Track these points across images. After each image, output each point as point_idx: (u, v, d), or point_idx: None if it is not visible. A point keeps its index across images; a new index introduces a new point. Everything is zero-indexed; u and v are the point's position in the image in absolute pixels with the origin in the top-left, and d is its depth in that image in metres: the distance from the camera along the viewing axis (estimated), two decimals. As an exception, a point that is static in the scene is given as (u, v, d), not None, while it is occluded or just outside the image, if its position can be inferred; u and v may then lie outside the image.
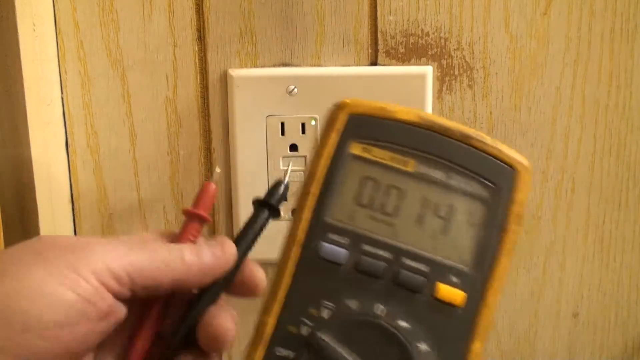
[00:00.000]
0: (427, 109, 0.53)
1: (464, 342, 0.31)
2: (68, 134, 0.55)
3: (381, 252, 0.32)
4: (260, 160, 0.54)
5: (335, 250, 0.32)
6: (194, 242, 0.39)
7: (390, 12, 0.53)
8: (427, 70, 0.53)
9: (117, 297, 0.35)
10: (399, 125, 0.32)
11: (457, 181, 0.32)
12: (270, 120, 0.53)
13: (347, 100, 0.33)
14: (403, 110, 0.33)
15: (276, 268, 0.33)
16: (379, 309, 0.31)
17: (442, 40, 0.53)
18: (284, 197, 0.40)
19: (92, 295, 0.34)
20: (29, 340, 0.33)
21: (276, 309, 0.32)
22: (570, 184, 0.55)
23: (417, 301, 0.31)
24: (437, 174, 0.32)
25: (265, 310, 0.32)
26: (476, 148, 0.32)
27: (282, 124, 0.53)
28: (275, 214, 0.39)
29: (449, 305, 0.31)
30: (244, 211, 0.55)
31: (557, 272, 0.57)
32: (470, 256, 0.31)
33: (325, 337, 0.30)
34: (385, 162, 0.32)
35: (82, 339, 0.34)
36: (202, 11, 0.53)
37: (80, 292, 0.34)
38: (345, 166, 0.33)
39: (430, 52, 0.53)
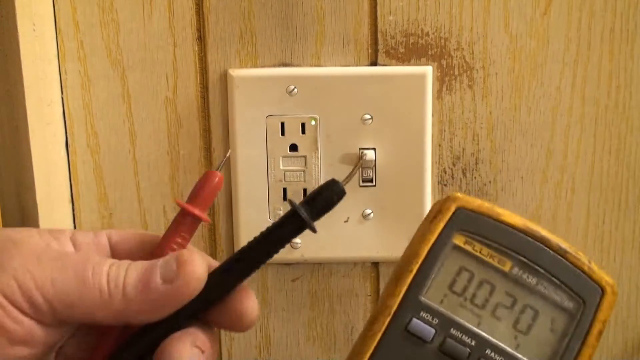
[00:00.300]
0: (427, 109, 0.53)
1: None
2: (68, 134, 0.55)
3: (466, 339, 0.33)
4: (260, 160, 0.54)
5: (424, 327, 0.33)
6: (183, 244, 0.34)
7: (390, 12, 0.53)
8: (427, 70, 0.53)
9: (40, 322, 0.30)
10: (503, 228, 0.35)
11: (547, 289, 0.34)
12: (270, 120, 0.53)
13: (459, 195, 0.36)
14: (510, 215, 0.35)
15: (361, 335, 0.34)
16: None
17: (442, 40, 0.53)
18: (330, 206, 0.36)
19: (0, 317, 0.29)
20: None
21: None
22: (570, 184, 0.55)
23: None
24: (530, 279, 0.34)
25: None
26: (571, 262, 0.34)
27: (282, 124, 0.53)
28: (308, 225, 0.35)
29: None
30: (244, 212, 0.55)
31: (557, 272, 0.57)
32: None
33: None
34: (484, 257, 0.35)
35: None
36: (202, 11, 0.53)
37: None
38: (446, 253, 0.35)
39: (430, 52, 0.53)
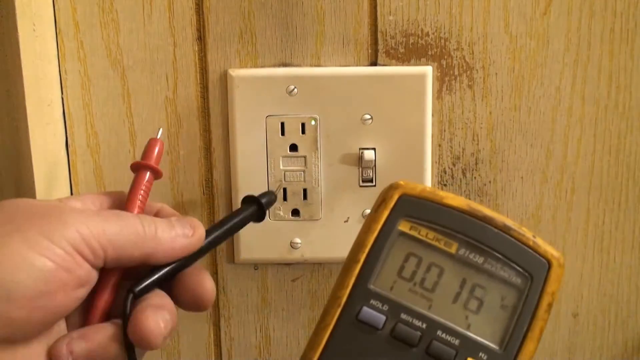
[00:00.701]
0: (427, 109, 0.53)
1: None
2: (68, 134, 0.55)
3: (417, 322, 0.34)
4: (260, 160, 0.54)
5: (374, 315, 0.34)
6: (145, 197, 0.42)
7: (390, 12, 0.53)
8: (427, 70, 0.53)
9: (92, 266, 0.36)
10: (447, 210, 0.35)
11: (494, 267, 0.35)
12: (270, 120, 0.53)
13: (401, 182, 0.36)
14: (453, 197, 0.36)
15: (314, 328, 0.35)
16: None
17: (442, 41, 0.53)
18: (271, 203, 0.46)
19: (69, 264, 0.35)
20: (10, 311, 0.33)
21: None
22: (570, 184, 0.55)
23: None
24: (477, 258, 0.35)
25: None
26: (516, 239, 0.35)
27: (282, 124, 0.53)
28: (260, 215, 0.45)
29: None
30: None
31: (557, 272, 0.57)
32: (500, 337, 0.34)
33: None
34: (430, 241, 0.35)
35: (59, 307, 0.35)
36: (202, 11, 0.53)
37: (58, 261, 0.34)
38: (393, 241, 0.35)
39: (430, 52, 0.53)
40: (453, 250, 0.35)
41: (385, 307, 0.34)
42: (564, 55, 0.53)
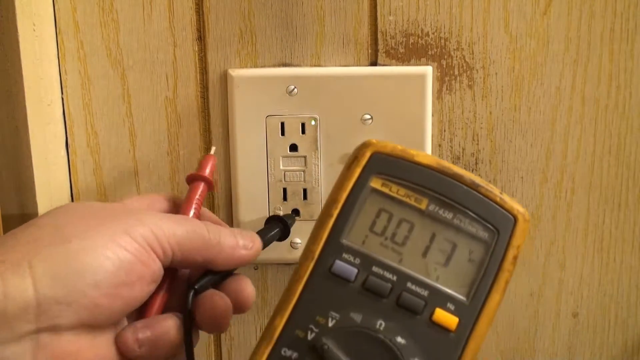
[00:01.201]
0: (427, 109, 0.53)
1: None
2: (68, 134, 0.55)
3: (388, 275, 0.35)
4: (260, 160, 0.54)
5: (346, 267, 0.35)
6: (199, 206, 0.45)
7: (390, 12, 0.53)
8: (427, 70, 0.53)
9: (162, 264, 0.39)
10: (418, 168, 0.36)
11: (463, 222, 0.36)
12: (270, 120, 0.53)
13: (373, 140, 0.37)
14: (422, 155, 0.37)
15: (291, 278, 0.36)
16: (380, 324, 0.34)
17: (442, 40, 0.53)
18: (292, 224, 0.51)
19: (146, 259, 0.37)
20: (96, 298, 0.36)
21: (286, 313, 0.34)
22: (570, 184, 0.55)
23: (415, 322, 0.34)
24: (446, 214, 0.36)
25: (276, 314, 0.35)
26: (483, 195, 0.36)
27: (282, 124, 0.53)
28: (285, 234, 0.49)
29: (443, 329, 0.34)
30: (244, 211, 0.55)
31: (557, 272, 0.57)
32: (467, 288, 0.35)
33: (329, 343, 0.33)
34: (401, 198, 0.36)
35: (135, 298, 0.38)
36: (202, 11, 0.53)
37: (137, 255, 0.37)
38: (365, 197, 0.36)
39: (430, 52, 0.53)
40: (423, 206, 0.36)
41: (357, 261, 0.35)
42: (564, 55, 0.53)
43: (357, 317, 0.34)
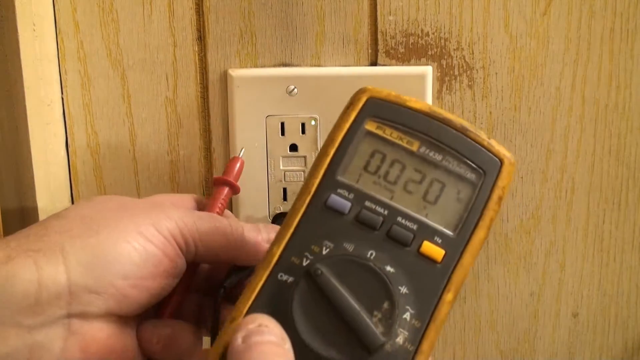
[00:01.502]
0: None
1: (438, 291, 0.36)
2: (68, 134, 0.55)
3: (379, 209, 0.37)
4: (260, 160, 0.54)
5: (340, 202, 0.37)
6: (222, 209, 0.46)
7: (390, 12, 0.53)
8: (427, 71, 0.53)
9: (185, 258, 0.40)
10: (410, 112, 0.38)
11: (452, 164, 0.38)
12: (270, 120, 0.53)
13: (369, 87, 0.39)
14: (415, 101, 0.39)
15: (289, 211, 0.38)
16: (371, 254, 0.36)
17: (442, 41, 0.53)
18: None
19: (171, 253, 0.38)
20: (124, 288, 0.37)
21: (283, 242, 0.36)
22: (570, 184, 0.55)
23: (404, 253, 0.36)
24: (436, 156, 0.38)
25: (274, 243, 0.37)
26: (472, 139, 0.38)
27: (282, 124, 0.53)
28: None
29: (430, 260, 0.36)
30: (244, 212, 0.55)
31: (557, 272, 0.57)
32: (454, 224, 0.37)
33: (322, 269, 0.35)
34: (394, 140, 0.38)
35: (160, 291, 0.39)
36: (202, 11, 0.53)
37: (162, 249, 0.38)
38: (360, 138, 0.38)
39: (430, 52, 0.53)
40: (415, 148, 0.38)
41: (351, 196, 0.37)
42: (564, 55, 0.53)
43: (350, 247, 0.36)
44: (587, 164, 0.55)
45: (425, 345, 0.35)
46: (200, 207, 0.47)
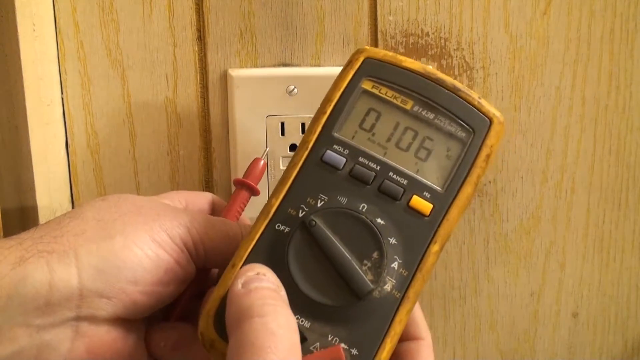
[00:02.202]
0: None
1: (425, 243, 0.38)
2: (68, 134, 0.55)
3: (372, 165, 0.39)
4: (260, 160, 0.54)
5: (335, 157, 0.39)
6: (239, 212, 0.46)
7: (390, 12, 0.53)
8: (427, 70, 0.53)
9: (195, 265, 0.40)
10: (405, 72, 0.40)
11: (443, 122, 0.39)
12: (270, 120, 0.53)
13: (367, 47, 0.41)
14: (411, 61, 0.40)
15: (287, 166, 0.39)
16: (363, 206, 0.38)
17: (442, 40, 0.53)
18: None
19: (182, 260, 0.39)
20: (134, 294, 0.37)
21: (281, 195, 0.38)
22: (570, 184, 0.55)
23: (394, 206, 0.38)
24: (429, 115, 0.39)
25: (273, 196, 0.38)
26: (463, 99, 0.40)
27: (282, 124, 0.53)
28: None
29: (418, 213, 0.38)
30: (244, 212, 0.55)
31: (557, 272, 0.57)
32: (443, 180, 0.39)
33: (317, 220, 0.37)
34: (389, 98, 0.40)
35: (168, 297, 0.39)
36: (202, 11, 0.53)
37: (174, 256, 0.39)
38: (356, 96, 0.40)
39: (430, 52, 0.53)
40: (408, 107, 0.40)
41: (346, 152, 0.39)
42: (564, 55, 0.53)
43: (343, 200, 0.38)
44: (587, 164, 0.55)
45: (411, 293, 0.37)
46: (218, 208, 0.47)
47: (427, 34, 0.53)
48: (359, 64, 0.40)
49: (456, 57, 0.53)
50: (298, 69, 0.53)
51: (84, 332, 0.37)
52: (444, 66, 0.53)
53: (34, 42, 0.50)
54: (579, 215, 0.56)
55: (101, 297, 0.36)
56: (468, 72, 0.53)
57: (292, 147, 0.53)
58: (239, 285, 0.34)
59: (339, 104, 0.40)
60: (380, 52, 0.41)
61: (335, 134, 0.39)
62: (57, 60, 0.54)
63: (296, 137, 0.53)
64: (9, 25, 0.48)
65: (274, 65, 0.54)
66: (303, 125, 0.53)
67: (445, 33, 0.53)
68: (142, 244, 0.38)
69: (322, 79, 0.53)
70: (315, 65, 0.54)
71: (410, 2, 0.52)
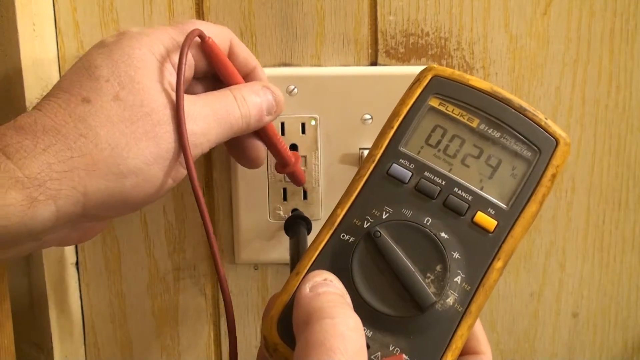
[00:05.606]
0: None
1: (489, 259, 0.38)
2: (68, 134, 0.55)
3: (438, 180, 0.39)
4: (260, 160, 0.54)
5: (402, 171, 0.39)
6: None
7: (390, 12, 0.53)
8: (427, 70, 0.53)
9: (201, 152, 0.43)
10: (472, 91, 0.41)
11: (509, 141, 0.40)
12: (270, 120, 0.53)
13: (435, 65, 0.42)
14: (478, 80, 0.41)
15: (353, 178, 0.40)
16: (428, 220, 0.38)
17: (442, 40, 0.53)
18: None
19: (179, 177, 0.43)
20: (137, 206, 0.42)
21: (347, 205, 0.39)
22: (570, 183, 0.55)
23: (459, 221, 0.38)
24: (495, 133, 0.40)
25: (338, 206, 0.39)
26: (530, 119, 0.40)
27: (282, 124, 0.53)
28: (309, 229, 0.54)
29: (482, 229, 0.38)
30: (244, 212, 0.55)
31: (557, 272, 0.57)
32: (508, 198, 0.39)
33: (382, 231, 0.37)
34: (455, 116, 0.41)
35: (158, 195, 0.42)
36: (202, 11, 0.53)
37: (176, 176, 0.43)
38: (423, 113, 0.41)
39: (430, 52, 0.53)
40: (474, 125, 0.40)
41: (412, 166, 0.39)
42: (564, 55, 0.53)
43: (408, 213, 0.38)
44: (587, 164, 0.55)
45: (473, 307, 0.37)
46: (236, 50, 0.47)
47: (427, 34, 0.53)
48: (426, 81, 0.41)
49: (456, 57, 0.53)
50: (298, 69, 0.53)
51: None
52: (444, 66, 0.53)
53: (34, 42, 0.50)
54: (579, 215, 0.56)
55: (105, 217, 0.43)
56: (468, 72, 0.53)
57: (292, 147, 0.53)
58: (307, 289, 0.35)
59: (406, 120, 0.41)
60: (448, 71, 0.42)
61: (402, 149, 0.40)
62: (57, 60, 0.54)
63: (296, 137, 0.53)
64: (9, 25, 0.48)
65: (274, 65, 0.54)
66: (303, 125, 0.53)
67: (445, 33, 0.53)
68: (155, 181, 0.41)
69: (322, 79, 0.53)
70: (315, 65, 0.54)
71: (410, 2, 0.52)
